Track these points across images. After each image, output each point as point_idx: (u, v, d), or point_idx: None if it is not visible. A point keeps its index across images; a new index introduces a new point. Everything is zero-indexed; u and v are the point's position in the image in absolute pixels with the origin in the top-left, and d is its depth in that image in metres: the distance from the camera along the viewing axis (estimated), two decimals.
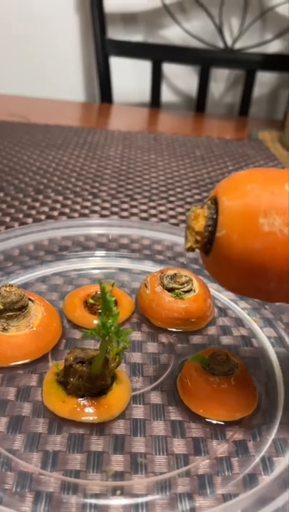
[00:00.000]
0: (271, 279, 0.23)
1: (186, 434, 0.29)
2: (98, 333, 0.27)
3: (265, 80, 1.27)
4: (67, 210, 0.58)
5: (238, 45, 1.19)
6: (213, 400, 0.30)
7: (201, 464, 0.28)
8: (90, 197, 0.62)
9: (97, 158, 0.77)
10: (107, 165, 0.75)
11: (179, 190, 0.68)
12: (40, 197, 0.61)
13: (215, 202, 0.25)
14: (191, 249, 0.25)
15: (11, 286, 0.33)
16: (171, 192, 0.67)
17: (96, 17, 1.11)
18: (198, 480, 0.27)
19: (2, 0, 1.18)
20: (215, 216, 0.24)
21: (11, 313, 0.33)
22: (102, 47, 1.14)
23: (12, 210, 0.57)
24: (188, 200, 0.64)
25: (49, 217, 0.56)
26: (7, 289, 0.33)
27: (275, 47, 1.22)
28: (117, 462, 0.27)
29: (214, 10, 1.16)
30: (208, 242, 0.24)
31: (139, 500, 0.26)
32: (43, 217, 0.56)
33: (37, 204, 0.59)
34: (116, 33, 1.21)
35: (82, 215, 0.57)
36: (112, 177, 0.70)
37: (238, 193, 0.23)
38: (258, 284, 0.24)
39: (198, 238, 0.24)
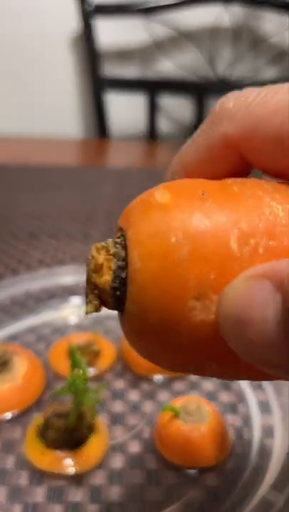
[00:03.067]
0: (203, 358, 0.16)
1: (160, 483, 0.32)
2: (69, 390, 0.29)
3: None
4: (59, 253, 0.61)
5: (230, 75, 1.23)
6: (185, 449, 0.32)
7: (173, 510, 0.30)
8: (82, 239, 0.65)
9: (91, 198, 0.80)
10: (100, 205, 0.77)
11: None
12: (34, 241, 0.64)
13: (123, 237, 0.18)
14: (91, 312, 0.17)
15: None
16: None
17: (91, 55, 1.16)
18: None
19: None
20: (124, 261, 0.17)
21: None
22: (99, 83, 1.18)
23: (5, 256, 0.59)
24: None
25: (41, 261, 0.59)
26: None
27: (267, 75, 1.26)
28: (93, 510, 0.30)
29: (206, 43, 1.21)
30: (118, 298, 0.17)
31: None
32: (35, 262, 0.59)
33: (30, 249, 0.62)
34: (111, 70, 1.26)
35: (74, 258, 0.60)
36: (104, 218, 0.72)
37: (156, 245, 0.16)
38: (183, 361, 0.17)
39: (105, 298, 0.17)
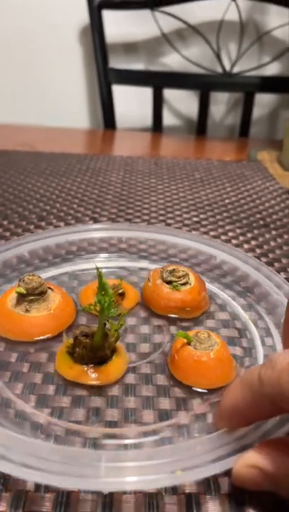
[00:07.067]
0: None
1: (170, 395, 0.39)
2: (95, 309, 0.36)
3: (264, 101, 1.40)
4: (53, 247, 0.63)
5: (236, 69, 1.32)
6: (196, 370, 0.39)
7: (182, 418, 0.37)
8: (90, 222, 0.71)
9: (99, 184, 0.86)
10: (108, 190, 0.83)
11: (177, 213, 0.75)
12: (43, 223, 0.69)
13: None
14: None
15: (32, 275, 0.45)
16: (169, 215, 0.74)
17: (98, 47, 1.25)
18: (179, 429, 0.36)
19: (6, 32, 1.33)
20: None
21: (32, 298, 0.44)
22: (105, 75, 1.27)
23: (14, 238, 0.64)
24: (186, 222, 0.72)
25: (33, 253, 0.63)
26: (29, 277, 0.45)
27: (272, 69, 1.35)
28: (112, 415, 0.37)
29: (212, 36, 1.30)
30: None
31: (130, 441, 0.35)
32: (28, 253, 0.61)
33: (39, 231, 0.66)
34: (118, 62, 1.35)
35: (69, 252, 0.62)
36: (112, 202, 0.78)
37: None
38: None
39: None
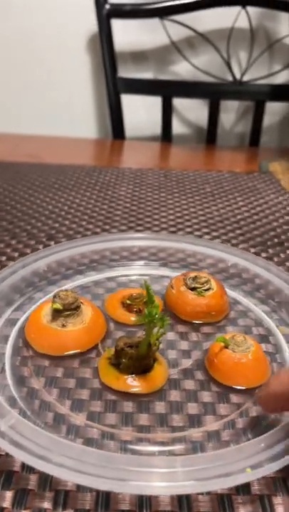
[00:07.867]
0: None
1: (217, 392, 0.45)
2: (145, 320, 0.42)
3: (274, 109, 1.47)
4: (77, 256, 0.65)
5: (246, 77, 1.38)
6: (236, 372, 0.45)
7: (215, 424, 0.42)
8: (112, 232, 0.75)
9: (108, 199, 0.89)
10: (117, 205, 0.86)
11: (188, 230, 0.78)
12: (52, 243, 0.71)
13: None
14: None
15: (66, 290, 0.49)
16: (180, 233, 0.77)
17: (107, 56, 1.31)
18: (228, 424, 0.41)
19: (14, 41, 1.41)
20: None
21: (68, 313, 0.49)
22: (114, 85, 1.34)
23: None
24: None
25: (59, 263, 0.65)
26: (64, 293, 0.49)
27: (283, 77, 1.42)
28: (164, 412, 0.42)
29: (222, 44, 1.36)
30: None
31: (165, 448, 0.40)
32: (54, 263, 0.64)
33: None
34: (126, 71, 1.42)
35: (92, 261, 0.66)
36: (122, 218, 0.81)
37: None
38: None
39: None
